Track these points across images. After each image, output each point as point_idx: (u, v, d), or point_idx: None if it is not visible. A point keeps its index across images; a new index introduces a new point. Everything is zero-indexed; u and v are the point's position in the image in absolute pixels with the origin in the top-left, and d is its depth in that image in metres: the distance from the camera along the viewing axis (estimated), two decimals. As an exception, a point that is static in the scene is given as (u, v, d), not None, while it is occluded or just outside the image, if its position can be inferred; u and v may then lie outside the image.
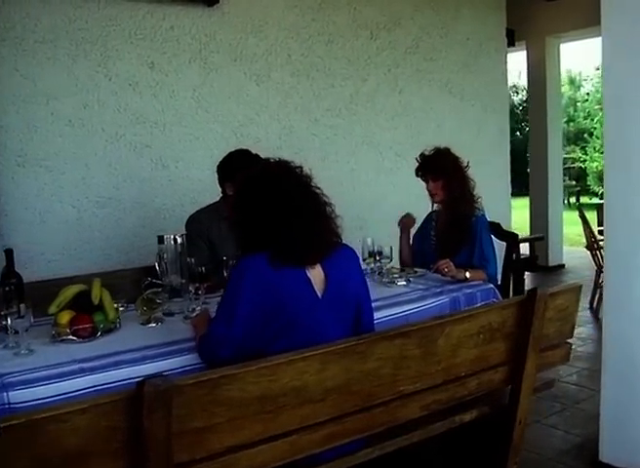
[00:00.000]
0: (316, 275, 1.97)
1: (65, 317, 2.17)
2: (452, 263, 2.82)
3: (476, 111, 5.34)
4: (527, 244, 6.37)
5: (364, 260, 3.01)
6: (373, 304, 2.50)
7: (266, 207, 1.96)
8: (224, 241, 3.18)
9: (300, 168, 2.04)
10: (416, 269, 3.10)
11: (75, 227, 3.58)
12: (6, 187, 3.35)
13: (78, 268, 3.42)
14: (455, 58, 5.13)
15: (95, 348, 2.08)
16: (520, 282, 5.95)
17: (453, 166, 3.09)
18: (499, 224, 3.36)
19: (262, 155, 4.20)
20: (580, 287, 2.38)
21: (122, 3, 3.62)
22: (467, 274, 2.86)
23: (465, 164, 3.13)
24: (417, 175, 3.17)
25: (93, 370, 1.91)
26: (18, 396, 1.77)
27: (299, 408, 1.70)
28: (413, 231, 3.40)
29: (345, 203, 4.57)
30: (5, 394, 1.77)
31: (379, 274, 2.99)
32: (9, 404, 1.76)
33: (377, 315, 2.41)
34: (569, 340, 2.42)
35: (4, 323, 2.06)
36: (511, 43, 6.16)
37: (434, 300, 2.62)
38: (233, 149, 4.10)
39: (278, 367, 1.64)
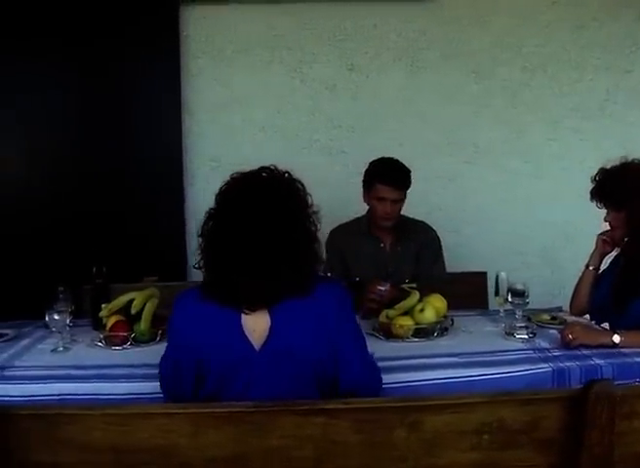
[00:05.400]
0: (256, 321, 1.60)
1: (110, 322, 2.23)
2: (578, 328, 2.05)
3: None
4: None
5: (495, 297, 2.40)
6: (445, 359, 2.01)
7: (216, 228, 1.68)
8: (360, 259, 2.88)
9: (283, 181, 1.71)
10: (567, 318, 2.34)
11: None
12: (201, 190, 3.59)
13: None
14: None
15: (111, 357, 2.11)
16: None
17: None
18: None
19: (485, 162, 3.79)
20: None
21: (321, 6, 3.53)
22: (616, 338, 2.03)
23: None
24: (591, 199, 2.38)
25: (78, 379, 1.93)
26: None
27: (170, 471, 1.43)
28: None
29: (596, 223, 3.79)
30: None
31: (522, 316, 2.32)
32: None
33: (441, 374, 1.92)
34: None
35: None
36: None
37: (528, 368, 1.92)
38: (445, 156, 3.74)
39: (132, 418, 1.41)
